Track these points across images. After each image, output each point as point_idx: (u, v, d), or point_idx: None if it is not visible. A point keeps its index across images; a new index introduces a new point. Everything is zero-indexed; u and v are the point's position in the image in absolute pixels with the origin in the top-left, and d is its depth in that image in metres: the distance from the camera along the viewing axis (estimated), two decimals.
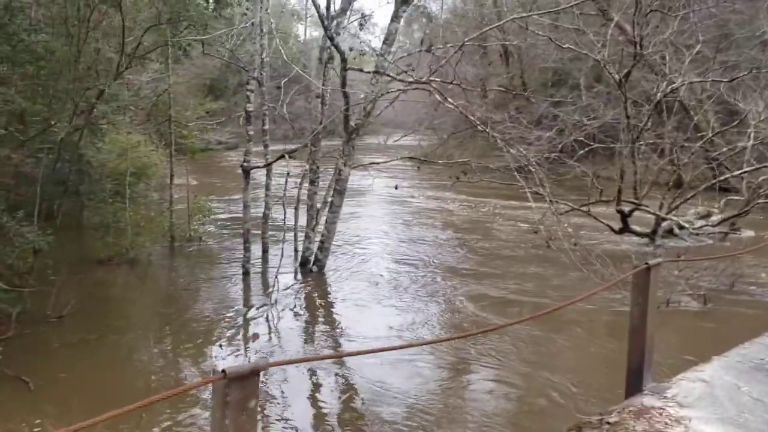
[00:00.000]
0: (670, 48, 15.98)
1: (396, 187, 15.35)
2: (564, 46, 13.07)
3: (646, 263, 4.48)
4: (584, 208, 13.32)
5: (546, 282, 10.66)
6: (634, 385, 4.54)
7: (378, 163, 12.98)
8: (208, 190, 19.85)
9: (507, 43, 20.01)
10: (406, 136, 30.91)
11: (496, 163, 11.28)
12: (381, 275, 11.18)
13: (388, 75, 9.78)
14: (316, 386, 6.85)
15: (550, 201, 10.76)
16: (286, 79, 13.70)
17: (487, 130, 9.41)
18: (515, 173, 9.21)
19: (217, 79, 34.10)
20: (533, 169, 9.32)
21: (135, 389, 6.30)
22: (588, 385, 6.55)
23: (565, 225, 9.24)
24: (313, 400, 6.56)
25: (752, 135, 14.13)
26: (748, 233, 14.40)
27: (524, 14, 12.55)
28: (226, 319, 8.87)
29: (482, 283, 10.71)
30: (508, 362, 7.25)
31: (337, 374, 7.07)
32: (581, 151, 15.29)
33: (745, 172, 13.68)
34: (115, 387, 6.41)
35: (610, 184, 13.65)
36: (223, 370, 2.41)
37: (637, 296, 4.52)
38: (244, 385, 2.43)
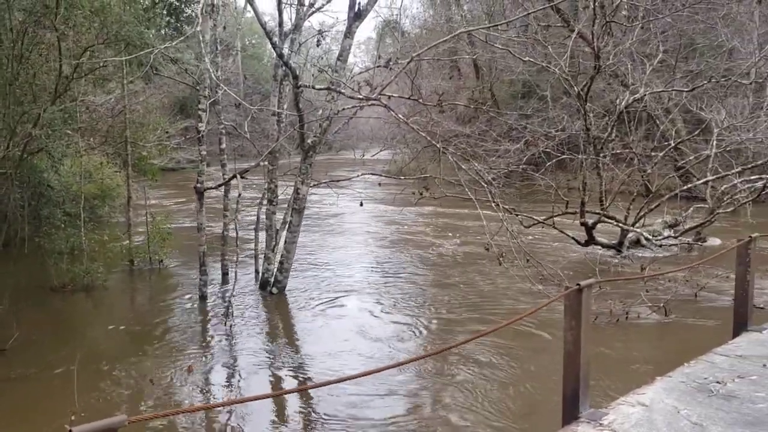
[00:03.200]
0: (635, 58, 16.03)
1: (361, 204, 15.15)
2: (525, 59, 13.00)
3: (578, 284, 4.29)
4: (549, 221, 13.23)
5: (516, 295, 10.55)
6: (570, 413, 4.35)
7: (338, 181, 12.79)
8: (175, 210, 19.59)
9: (468, 56, 19.94)
10: (382, 150, 30.90)
11: (453, 178, 11.13)
12: (344, 295, 10.97)
13: (339, 92, 9.59)
14: (280, 417, 6.58)
15: (511, 213, 10.64)
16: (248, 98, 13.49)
17: (438, 144, 9.24)
18: (466, 188, 9.04)
19: (188, 98, 33.76)
20: (485, 185, 9.16)
21: None
22: (534, 408, 6.36)
23: (516, 240, 9.06)
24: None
25: (715, 143, 14.14)
26: (715, 241, 14.36)
27: (472, 27, 12.41)
28: (175, 350, 8.56)
29: (444, 303, 10.55)
30: (452, 386, 7.04)
31: (301, 402, 6.83)
32: (549, 163, 15.22)
33: (709, 180, 13.66)
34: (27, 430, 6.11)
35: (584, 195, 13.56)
36: (70, 430, 2.18)
37: (570, 320, 4.32)
38: None
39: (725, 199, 13.58)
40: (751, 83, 14.81)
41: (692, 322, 9.22)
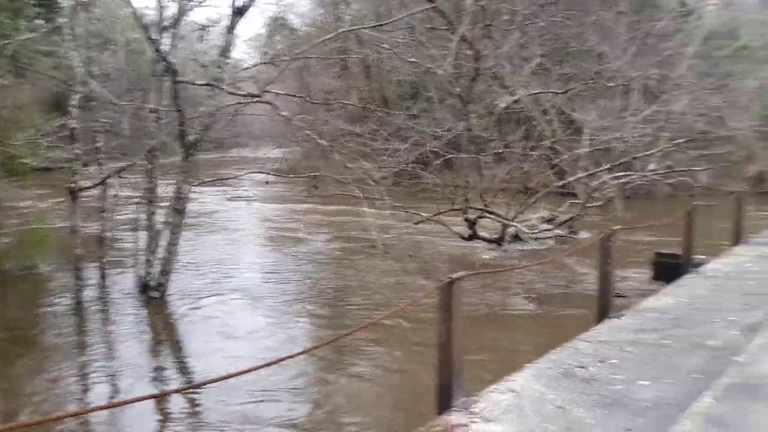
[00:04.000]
0: (515, 62, 16.74)
1: (249, 202, 14.95)
2: (409, 60, 13.28)
3: (449, 278, 4.43)
4: (436, 218, 13.60)
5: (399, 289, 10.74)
6: (443, 402, 4.49)
7: (224, 179, 12.54)
8: (50, 212, 18.47)
9: (355, 56, 20.12)
10: (274, 149, 30.55)
11: (343, 176, 11.21)
12: (225, 295, 10.78)
13: (220, 88, 9.39)
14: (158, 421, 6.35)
15: (399, 210, 10.86)
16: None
17: (324, 143, 9.27)
18: (354, 187, 9.13)
19: (63, 94, 31.79)
20: (372, 183, 9.29)
21: None
22: (410, 399, 6.51)
23: (396, 236, 9.26)
24: None
25: (587, 143, 15.04)
26: (586, 234, 15.24)
27: (354, 27, 12.56)
28: (46, 359, 8.08)
29: (319, 299, 10.63)
30: (328, 381, 7.10)
31: (179, 405, 6.62)
32: (436, 162, 15.64)
33: (581, 177, 14.51)
34: None
35: (469, 192, 13.99)
36: None
37: (442, 312, 4.46)
38: None
39: (595, 194, 14.46)
40: (617, 86, 15.84)
41: (563, 311, 9.74)
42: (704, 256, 9.50)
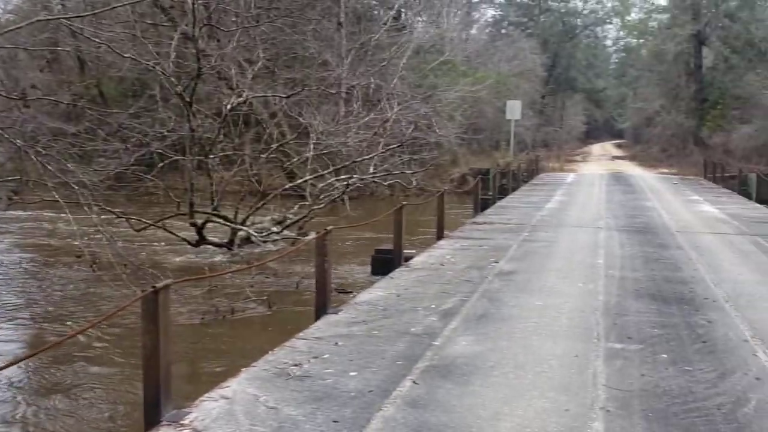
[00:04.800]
0: (241, 64, 16.67)
1: None
2: (125, 56, 12.46)
3: (153, 287, 4.22)
4: (160, 223, 12.97)
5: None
6: (151, 418, 4.26)
7: None
8: None
9: (61, 49, 18.41)
10: None
11: (53, 180, 10.09)
12: None
13: None
14: None
15: (118, 216, 10.12)
16: None
17: (17, 143, 8.28)
18: (54, 191, 8.30)
19: None
20: (77, 188, 8.53)
21: None
22: (120, 416, 6.15)
23: (100, 243, 8.68)
24: None
25: (313, 147, 15.55)
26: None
27: (52, 17, 11.52)
28: None
29: (20, 315, 9.60)
30: (29, 403, 6.43)
31: None
32: (161, 164, 14.97)
33: (308, 179, 14.98)
34: None
35: (197, 195, 13.52)
36: None
37: (147, 324, 4.23)
38: None
39: (322, 196, 15.03)
40: (338, 92, 16.66)
41: (293, 310, 9.95)
42: (414, 250, 10.38)
